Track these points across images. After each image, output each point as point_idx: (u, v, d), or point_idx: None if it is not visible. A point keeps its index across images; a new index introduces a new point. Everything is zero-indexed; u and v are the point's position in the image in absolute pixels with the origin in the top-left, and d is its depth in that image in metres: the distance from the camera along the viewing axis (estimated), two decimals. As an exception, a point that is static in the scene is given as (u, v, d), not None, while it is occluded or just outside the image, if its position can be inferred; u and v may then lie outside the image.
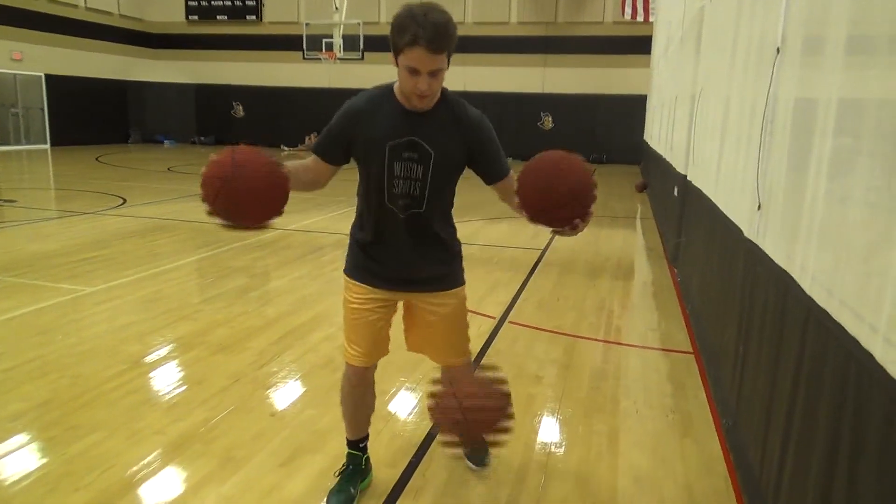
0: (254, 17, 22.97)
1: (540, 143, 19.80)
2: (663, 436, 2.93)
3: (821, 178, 1.91)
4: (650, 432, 2.97)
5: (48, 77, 19.74)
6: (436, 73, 1.83)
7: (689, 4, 7.08)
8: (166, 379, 3.42)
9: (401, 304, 2.29)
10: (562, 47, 20.42)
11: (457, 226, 2.27)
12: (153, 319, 4.33)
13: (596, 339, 4.24)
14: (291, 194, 1.85)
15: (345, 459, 2.41)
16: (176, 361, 3.66)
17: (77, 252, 6.22)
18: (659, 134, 10.81)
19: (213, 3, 23.22)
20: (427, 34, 1.74)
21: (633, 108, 18.60)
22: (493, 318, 4.54)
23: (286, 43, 21.74)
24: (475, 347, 3.42)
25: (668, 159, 8.21)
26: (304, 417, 2.99)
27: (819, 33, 2.11)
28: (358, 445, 2.41)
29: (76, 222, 7.90)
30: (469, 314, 2.40)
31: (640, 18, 17.77)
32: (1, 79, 18.53)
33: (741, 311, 2.82)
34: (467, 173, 2.13)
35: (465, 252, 2.32)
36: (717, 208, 3.78)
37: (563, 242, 7.44)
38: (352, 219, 2.24)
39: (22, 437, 2.75)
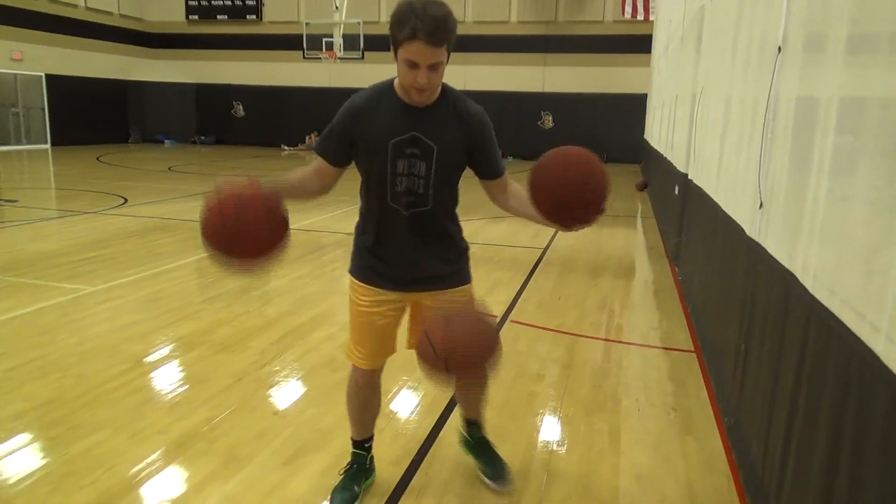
0: (254, 17, 22.97)
1: (540, 142, 19.82)
2: (665, 434, 2.94)
3: (822, 176, 1.91)
4: (652, 431, 2.97)
5: (48, 77, 19.74)
6: (435, 67, 1.82)
7: (689, 3, 7.08)
8: (169, 378, 3.43)
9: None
10: (562, 46, 20.41)
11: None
12: (155, 319, 4.34)
13: (597, 338, 4.24)
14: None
15: (349, 458, 2.41)
16: (178, 361, 3.66)
17: (78, 252, 6.23)
18: (659, 133, 10.81)
19: (213, 2, 23.21)
20: (426, 27, 1.73)
21: (633, 107, 18.59)
22: (495, 316, 4.54)
23: (286, 42, 21.73)
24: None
25: (668, 158, 8.21)
26: (306, 416, 3.00)
27: (820, 32, 2.11)
28: (363, 445, 2.41)
29: (77, 222, 7.90)
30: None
31: (640, 17, 17.78)
32: (1, 79, 18.54)
33: (743, 310, 2.83)
34: (468, 172, 2.13)
35: (466, 251, 2.32)
36: (719, 207, 3.78)
37: (564, 242, 7.45)
38: (353, 218, 2.24)
39: (24, 437, 2.76)
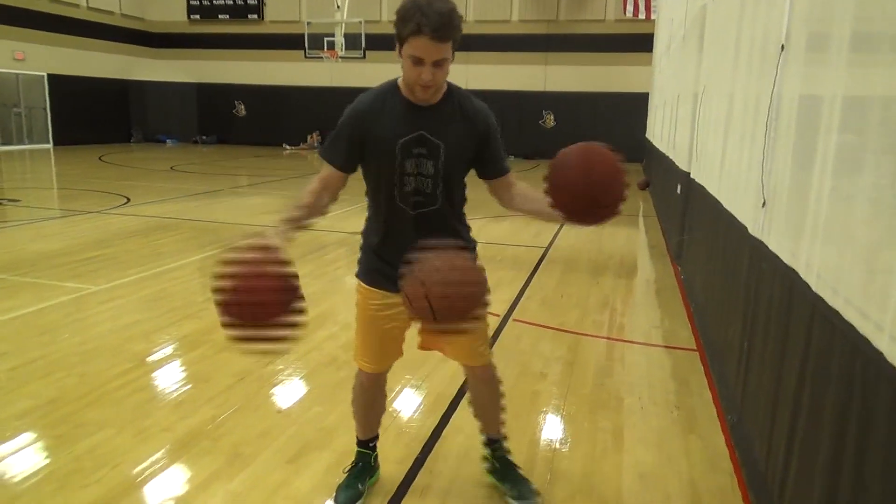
0: (255, 16, 22.98)
1: (541, 141, 19.84)
2: (668, 432, 2.94)
3: (825, 175, 1.92)
4: (655, 429, 2.97)
5: (50, 77, 19.77)
6: (440, 64, 1.80)
7: (691, 2, 7.07)
8: (172, 377, 3.44)
9: None
10: (563, 45, 20.40)
11: None
12: (158, 318, 4.35)
13: (600, 337, 4.25)
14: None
15: (354, 457, 2.42)
16: (181, 360, 3.67)
17: (81, 251, 6.24)
18: (661, 132, 10.80)
19: (214, 2, 23.22)
20: (431, 23, 1.72)
21: (634, 105, 18.58)
22: (498, 315, 4.55)
23: (288, 42, 21.73)
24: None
25: (670, 157, 8.21)
26: (310, 415, 3.01)
27: (823, 30, 2.11)
28: (368, 444, 2.42)
29: (79, 221, 7.91)
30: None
31: (641, 16, 17.78)
32: (3, 78, 18.56)
33: (746, 308, 2.83)
34: (470, 172, 2.13)
35: (469, 250, 2.32)
36: (721, 205, 3.78)
37: (566, 241, 7.45)
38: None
39: (30, 435, 2.77)
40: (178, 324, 4.23)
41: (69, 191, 10.96)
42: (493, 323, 4.37)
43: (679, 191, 6.49)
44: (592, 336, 4.25)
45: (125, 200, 9.62)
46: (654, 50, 16.26)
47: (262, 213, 8.79)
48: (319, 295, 5.03)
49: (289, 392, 3.28)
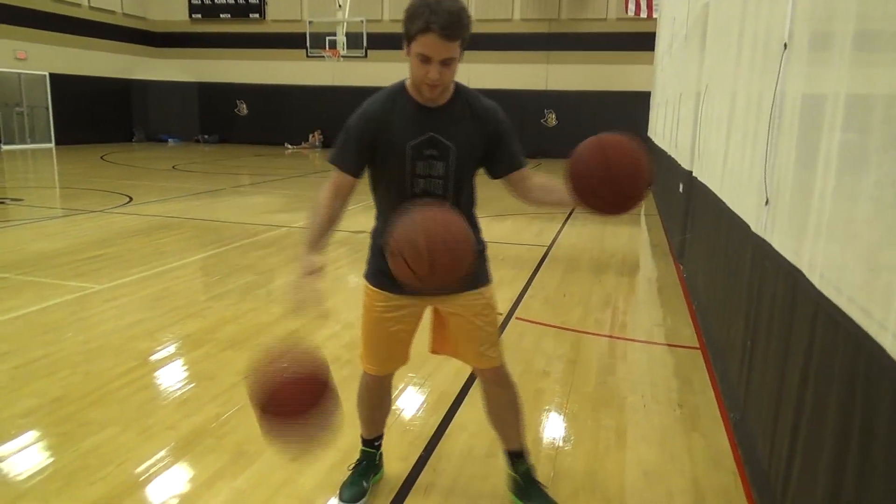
0: (257, 16, 22.99)
1: (543, 140, 19.83)
2: (671, 430, 2.95)
3: (829, 173, 1.92)
4: (658, 427, 2.98)
5: (52, 76, 19.80)
6: (448, 63, 1.79)
7: (693, 0, 7.07)
8: (176, 375, 3.45)
9: (426, 310, 2.21)
10: (565, 44, 20.40)
11: None
12: (161, 317, 4.36)
13: (602, 335, 4.25)
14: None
15: (358, 455, 2.43)
16: (185, 358, 3.69)
17: (83, 250, 6.26)
18: (663, 131, 10.80)
19: (216, 1, 23.24)
20: (440, 21, 1.71)
21: (636, 104, 18.56)
22: (500, 314, 4.55)
23: (289, 41, 21.74)
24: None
25: (672, 156, 8.21)
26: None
27: (826, 28, 2.11)
28: (373, 444, 2.42)
29: (82, 220, 7.93)
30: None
31: (643, 15, 17.76)
32: (5, 78, 18.59)
33: (749, 306, 2.83)
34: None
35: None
36: (724, 204, 3.78)
37: (568, 239, 7.46)
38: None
39: (35, 433, 2.78)
40: (181, 322, 4.24)
41: (71, 190, 10.98)
42: (495, 321, 4.38)
43: (681, 189, 6.49)
44: (595, 334, 4.25)
45: (127, 200, 9.63)
46: (655, 48, 16.24)
47: (264, 212, 8.80)
48: (323, 293, 5.03)
49: (292, 390, 3.29)
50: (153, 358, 3.66)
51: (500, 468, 2.56)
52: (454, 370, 3.43)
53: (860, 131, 1.77)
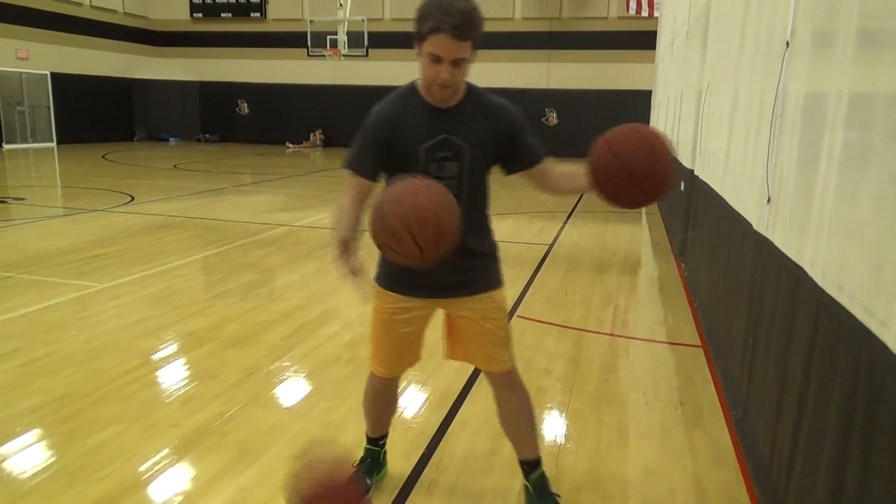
0: (258, 15, 23.01)
1: (545, 139, 19.56)
2: (673, 428, 2.96)
3: (831, 171, 1.93)
4: (659, 424, 2.99)
5: (54, 75, 19.83)
6: (458, 63, 1.78)
7: (694, -1, 7.07)
8: (180, 374, 3.46)
9: (437, 313, 2.19)
10: (566, 43, 20.40)
11: None
12: (165, 315, 4.37)
13: (604, 333, 4.26)
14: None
15: (363, 452, 2.44)
16: (189, 356, 3.70)
17: (86, 249, 6.27)
18: (664, 129, 10.80)
19: (217, 0, 23.26)
20: (451, 20, 1.70)
21: (637, 103, 18.55)
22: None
23: (290, 40, 21.75)
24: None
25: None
26: (317, 410, 3.03)
27: (829, 27, 2.12)
28: (377, 442, 2.43)
29: (84, 219, 7.95)
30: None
31: (644, 14, 17.74)
32: (7, 77, 18.61)
33: (750, 304, 2.84)
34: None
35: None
36: (726, 202, 3.79)
37: (569, 238, 7.47)
38: None
39: (40, 431, 2.79)
40: (184, 321, 4.26)
41: (73, 189, 11.00)
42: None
43: (682, 188, 6.50)
44: (596, 333, 4.26)
45: (129, 199, 9.65)
46: (656, 47, 16.24)
47: (266, 210, 8.82)
48: (325, 292, 5.05)
49: (295, 388, 3.31)
50: (156, 356, 3.67)
51: (503, 465, 2.58)
52: (456, 368, 3.44)
53: (862, 129, 1.78)
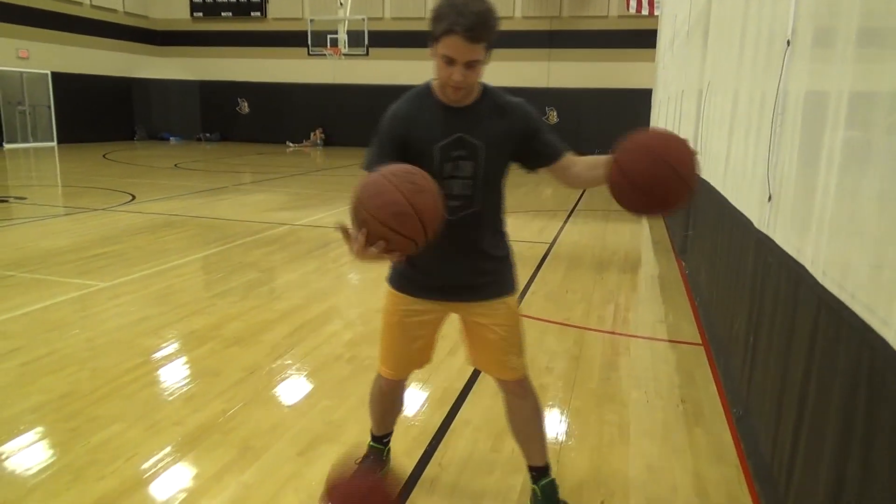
0: (258, 14, 23.01)
1: (545, 137, 19.77)
2: (674, 425, 2.97)
3: (832, 170, 1.93)
4: (661, 422, 3.00)
5: (54, 75, 19.84)
6: (472, 65, 1.77)
7: (695, -2, 7.07)
8: (182, 372, 3.47)
9: (452, 318, 2.17)
10: (566, 42, 20.40)
11: None
12: (167, 314, 4.38)
13: (605, 331, 4.27)
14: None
15: (366, 450, 2.44)
16: (191, 355, 3.71)
17: (88, 248, 6.28)
18: (665, 128, 10.79)
19: (217, -1, 23.28)
20: (465, 22, 1.69)
21: (637, 102, 18.55)
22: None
23: (291, 39, 21.75)
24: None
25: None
26: (319, 408, 3.04)
27: (829, 25, 2.13)
28: (381, 440, 2.43)
29: (86, 219, 7.96)
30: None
31: (644, 12, 17.73)
32: (8, 77, 18.62)
33: (751, 302, 2.85)
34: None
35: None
36: (726, 201, 3.80)
37: (570, 237, 7.48)
38: None
39: (44, 428, 2.80)
40: (186, 319, 4.27)
41: (74, 188, 11.01)
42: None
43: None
44: (597, 331, 4.27)
45: (130, 198, 9.66)
46: (657, 46, 16.24)
47: (266, 209, 8.83)
48: (326, 290, 5.06)
49: (297, 387, 3.32)
50: (158, 354, 3.68)
51: (505, 463, 2.59)
52: (457, 366, 3.45)
53: (863, 128, 1.78)
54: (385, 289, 2.17)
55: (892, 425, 1.38)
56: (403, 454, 2.63)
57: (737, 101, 3.77)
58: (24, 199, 9.42)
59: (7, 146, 18.36)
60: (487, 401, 3.13)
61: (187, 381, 3.34)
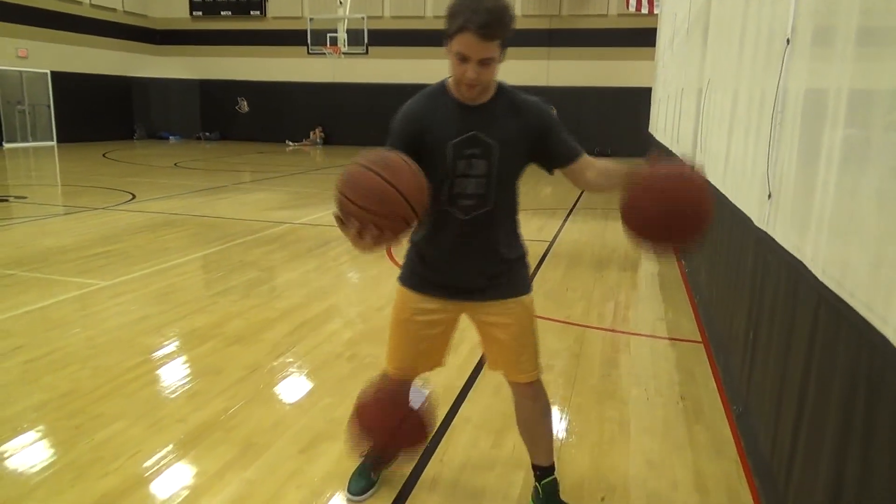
0: (258, 13, 22.98)
1: (544, 136, 19.77)
2: (674, 422, 2.98)
3: (831, 168, 1.94)
4: (661, 419, 3.01)
5: (54, 74, 19.81)
6: (486, 63, 1.75)
7: (695, -4, 7.08)
8: (184, 370, 3.48)
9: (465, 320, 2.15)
10: (566, 40, 20.39)
11: None
12: (168, 312, 4.39)
13: (605, 329, 4.28)
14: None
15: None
16: (192, 353, 3.72)
17: (89, 247, 6.29)
18: (665, 126, 10.82)
19: (216, -2, 23.26)
20: (479, 20, 1.67)
21: (637, 100, 18.57)
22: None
23: (290, 38, 21.74)
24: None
25: (674, 151, 8.23)
26: (320, 406, 3.05)
27: (829, 24, 2.14)
28: None
29: (86, 218, 7.96)
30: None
31: (644, 11, 17.75)
32: (7, 76, 18.61)
33: (751, 299, 2.86)
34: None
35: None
36: (726, 199, 3.81)
37: (570, 235, 7.49)
38: None
39: (47, 427, 2.81)
40: (187, 318, 4.28)
41: (75, 187, 11.01)
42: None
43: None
44: (598, 328, 4.29)
45: (130, 197, 9.67)
46: (656, 44, 16.25)
47: (266, 208, 8.84)
48: (327, 289, 5.07)
49: (298, 385, 3.33)
50: (160, 353, 3.69)
51: (505, 460, 2.60)
52: (458, 364, 3.46)
53: (862, 126, 1.79)
54: (396, 287, 2.16)
55: (891, 422, 1.39)
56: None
57: (736, 100, 3.78)
58: (25, 198, 9.43)
59: (6, 145, 18.35)
60: (488, 398, 3.15)
61: (189, 379, 3.35)
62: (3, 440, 2.68)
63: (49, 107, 19.88)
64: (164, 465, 2.51)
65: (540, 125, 1.94)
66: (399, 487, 2.42)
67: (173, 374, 3.43)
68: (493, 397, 3.15)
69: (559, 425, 2.94)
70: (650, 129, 15.81)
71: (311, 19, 19.59)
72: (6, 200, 9.15)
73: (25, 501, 2.28)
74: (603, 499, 2.38)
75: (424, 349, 2.16)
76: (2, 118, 18.49)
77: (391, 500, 2.33)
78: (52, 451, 2.62)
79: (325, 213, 8.53)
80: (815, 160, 2.08)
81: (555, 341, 3.99)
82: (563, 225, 8.11)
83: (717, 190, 4.23)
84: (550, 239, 7.19)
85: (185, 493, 2.34)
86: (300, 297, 4.82)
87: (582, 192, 10.75)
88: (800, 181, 2.33)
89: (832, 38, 2.03)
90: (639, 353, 3.89)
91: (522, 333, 2.11)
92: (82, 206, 8.76)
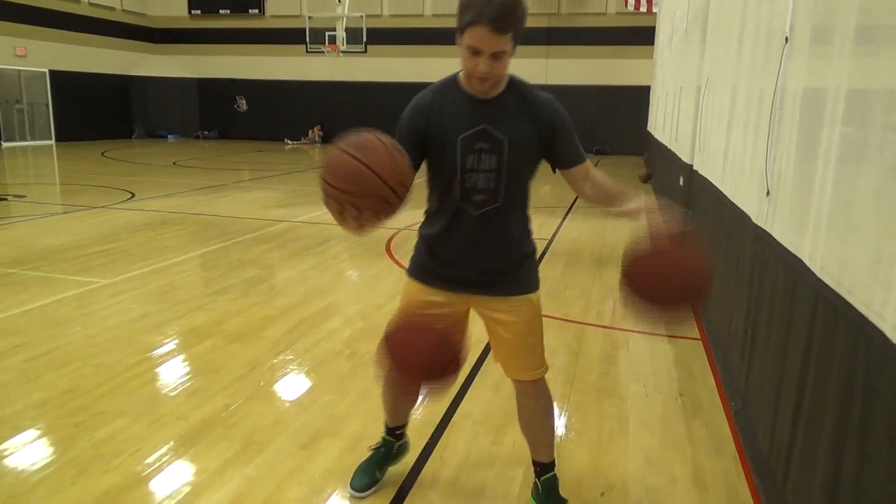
0: (256, 11, 22.96)
1: (543, 134, 19.76)
2: (672, 419, 2.99)
3: (829, 165, 1.96)
4: (659, 415, 3.03)
5: (52, 73, 19.79)
6: (498, 56, 1.73)
7: (693, -6, 7.09)
8: (184, 367, 3.49)
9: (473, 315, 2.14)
10: (565, 38, 20.39)
11: None
12: (168, 310, 4.40)
13: (604, 327, 4.30)
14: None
15: (378, 440, 2.43)
16: (192, 351, 3.73)
17: (89, 245, 6.29)
18: (663, 124, 10.83)
19: (215, -4, 23.23)
20: (491, 12, 1.65)
21: (636, 98, 18.60)
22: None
23: (289, 36, 21.74)
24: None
25: (673, 149, 8.24)
26: (320, 403, 3.06)
27: (827, 22, 2.14)
28: (394, 432, 2.40)
29: (86, 216, 7.96)
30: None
31: (642, 9, 17.76)
32: (5, 75, 18.58)
33: (749, 296, 2.88)
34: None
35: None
36: (725, 196, 3.82)
37: (569, 234, 7.50)
38: None
39: (48, 424, 2.82)
40: (187, 316, 4.28)
41: (74, 186, 11.00)
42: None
43: (681, 182, 6.53)
44: (597, 326, 4.30)
45: (129, 195, 9.67)
46: (655, 43, 16.26)
47: (265, 207, 8.84)
48: (326, 287, 5.08)
49: (299, 382, 3.34)
50: (160, 351, 3.70)
51: (505, 456, 2.61)
52: (458, 361, 3.47)
53: (860, 125, 1.80)
54: (404, 279, 2.16)
55: (887, 418, 1.40)
56: (405, 448, 2.65)
57: (735, 98, 3.80)
58: (24, 197, 9.42)
59: (5, 144, 18.34)
60: (488, 395, 3.16)
61: (189, 376, 3.36)
62: (4, 438, 2.69)
63: (47, 106, 19.86)
64: (164, 462, 2.52)
65: (551, 122, 1.92)
66: (400, 482, 2.43)
67: (173, 371, 3.44)
68: (494, 394, 3.16)
69: (558, 422, 2.95)
70: (649, 128, 15.82)
71: (309, 18, 19.59)
72: (5, 199, 9.15)
73: (26, 499, 2.29)
74: (602, 495, 2.40)
75: None
76: (0, 117, 18.46)
77: (391, 497, 2.34)
78: (52, 448, 2.63)
79: (323, 212, 8.49)
80: (813, 158, 2.09)
81: (554, 339, 4.00)
82: (562, 223, 8.12)
83: (716, 187, 4.24)
84: (549, 237, 7.20)
85: (186, 490, 2.35)
86: (299, 294, 4.83)
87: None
88: (798, 179, 2.34)
89: (830, 36, 2.04)
90: (637, 350, 3.91)
91: (528, 332, 2.09)
92: (81, 204, 8.76)
